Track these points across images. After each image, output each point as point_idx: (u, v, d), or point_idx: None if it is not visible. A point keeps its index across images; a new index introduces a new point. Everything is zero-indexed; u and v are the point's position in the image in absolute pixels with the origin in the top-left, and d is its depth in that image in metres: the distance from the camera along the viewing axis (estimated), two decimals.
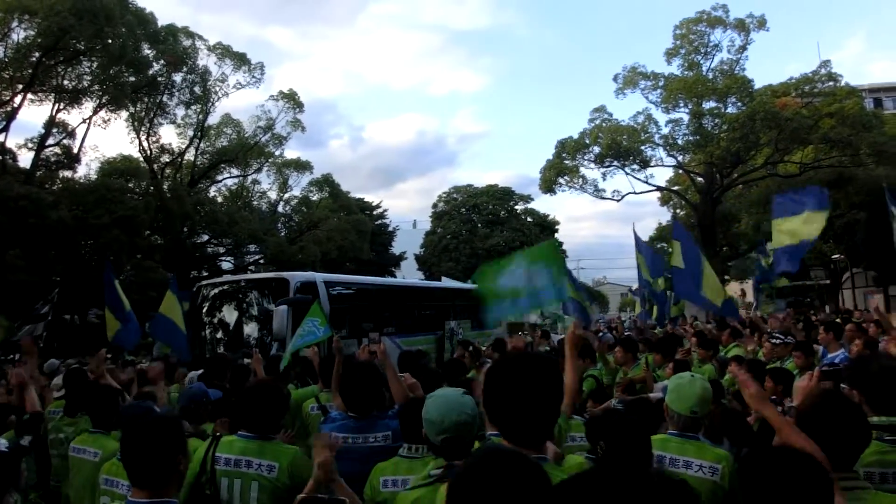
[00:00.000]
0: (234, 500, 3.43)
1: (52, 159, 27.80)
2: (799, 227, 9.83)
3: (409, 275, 46.75)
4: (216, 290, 15.71)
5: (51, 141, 27.21)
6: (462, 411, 2.79)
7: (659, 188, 42.36)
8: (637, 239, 14.65)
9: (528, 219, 52.44)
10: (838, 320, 12.10)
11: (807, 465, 2.02)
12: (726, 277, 39.42)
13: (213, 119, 34.58)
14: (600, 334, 14.19)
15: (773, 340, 7.89)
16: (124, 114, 29.96)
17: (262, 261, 34.94)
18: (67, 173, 28.22)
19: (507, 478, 1.56)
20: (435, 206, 53.51)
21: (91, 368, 6.34)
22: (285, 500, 3.27)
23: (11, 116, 24.88)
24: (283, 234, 36.76)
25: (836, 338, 7.51)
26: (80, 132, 28.57)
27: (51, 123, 26.59)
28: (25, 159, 26.69)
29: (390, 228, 50.39)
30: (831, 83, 34.72)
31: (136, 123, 31.27)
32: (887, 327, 7.73)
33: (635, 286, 21.61)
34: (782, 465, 2.02)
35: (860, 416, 2.64)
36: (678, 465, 3.36)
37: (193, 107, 32.78)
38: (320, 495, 2.77)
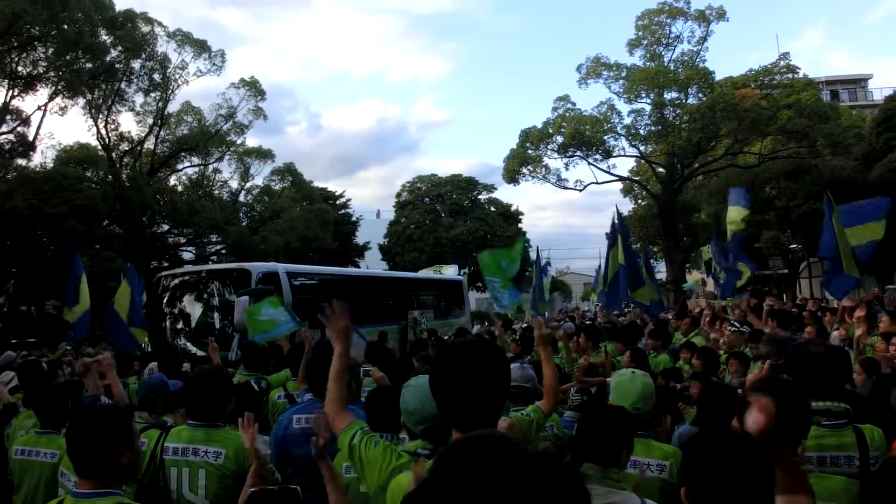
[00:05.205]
0: (182, 489, 3.42)
1: (7, 147, 27.00)
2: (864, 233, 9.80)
3: (372, 265, 46.65)
4: (177, 281, 15.55)
5: (4, 128, 26.50)
6: None
7: (621, 178, 42.70)
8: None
9: (492, 208, 52.55)
10: (793, 309, 12.39)
11: (749, 447, 2.01)
12: (688, 265, 40.05)
13: (172, 107, 34.00)
14: (561, 323, 14.33)
15: (730, 328, 8.06)
16: (81, 101, 29.27)
17: (223, 251, 34.58)
18: (22, 161, 27.46)
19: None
20: (399, 195, 53.39)
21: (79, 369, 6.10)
22: (232, 487, 3.29)
23: None
24: (244, 223, 36.30)
25: (780, 325, 7.66)
26: (35, 119, 27.89)
27: (4, 110, 25.91)
28: None
29: (354, 218, 50.11)
30: (790, 75, 35.33)
31: (93, 111, 30.59)
32: (840, 318, 7.92)
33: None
34: (724, 448, 2.02)
35: (801, 401, 2.70)
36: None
37: (152, 94, 32.17)
38: (270, 486, 2.78)
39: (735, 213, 11.19)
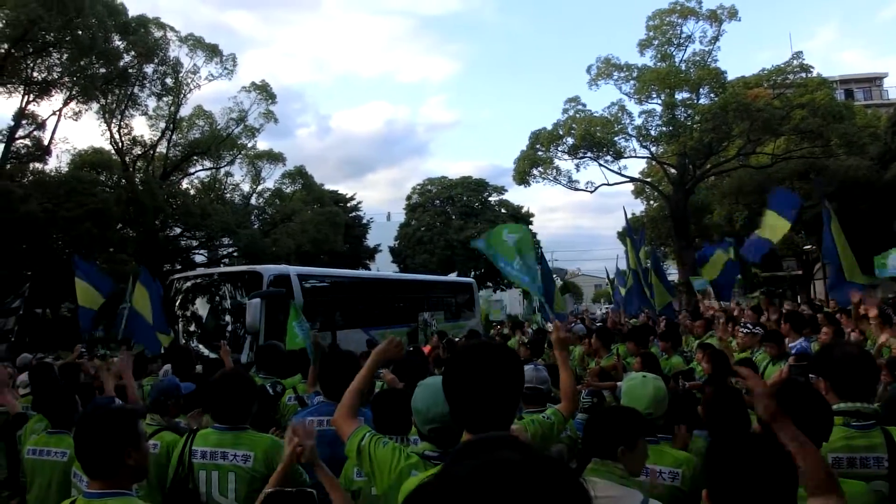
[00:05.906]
0: (212, 492, 3.44)
1: (23, 152, 27.36)
2: (772, 224, 9.74)
3: (383, 267, 46.73)
4: (189, 284, 15.64)
5: (20, 133, 26.72)
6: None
7: (632, 179, 42.57)
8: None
9: (503, 210, 52.44)
10: (808, 311, 12.29)
11: (772, 449, 2.01)
12: (699, 269, 39.81)
13: (185, 111, 34.17)
14: (571, 325, 14.28)
15: (743, 330, 8.00)
16: (95, 106, 29.49)
17: (235, 254, 34.69)
18: (38, 166, 27.87)
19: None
20: (409, 198, 53.39)
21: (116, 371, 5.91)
22: (262, 489, 3.29)
23: None
24: (256, 226, 36.44)
25: (794, 328, 7.59)
26: (50, 124, 28.12)
27: (20, 115, 26.12)
28: None
29: (364, 221, 50.18)
30: (803, 74, 35.11)
31: (106, 115, 30.80)
32: (855, 319, 7.83)
33: (614, 273, 21.70)
34: (747, 449, 2.01)
35: (821, 404, 2.68)
36: None
37: (165, 98, 32.35)
38: (287, 488, 2.78)
39: (773, 220, 9.76)
